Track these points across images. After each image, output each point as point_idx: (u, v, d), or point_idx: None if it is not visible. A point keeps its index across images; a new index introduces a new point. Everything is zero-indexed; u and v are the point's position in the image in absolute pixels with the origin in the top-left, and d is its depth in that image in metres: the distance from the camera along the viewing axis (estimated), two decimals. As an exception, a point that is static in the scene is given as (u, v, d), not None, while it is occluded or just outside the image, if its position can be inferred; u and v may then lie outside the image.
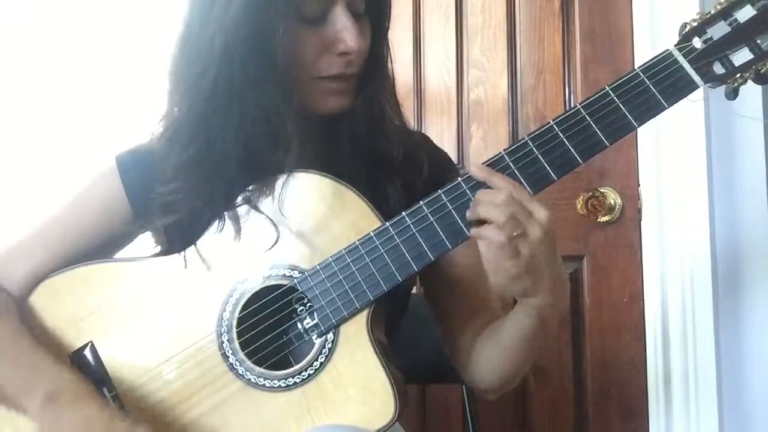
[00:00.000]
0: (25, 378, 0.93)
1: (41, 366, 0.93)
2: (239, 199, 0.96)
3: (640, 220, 1.65)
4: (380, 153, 1.01)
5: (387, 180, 1.01)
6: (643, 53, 1.61)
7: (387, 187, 1.01)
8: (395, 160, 1.01)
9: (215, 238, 0.97)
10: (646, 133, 1.61)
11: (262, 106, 0.92)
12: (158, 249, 1.06)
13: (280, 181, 0.94)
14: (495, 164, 0.89)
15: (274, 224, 0.93)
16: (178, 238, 0.99)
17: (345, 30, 0.92)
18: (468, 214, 0.88)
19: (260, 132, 0.93)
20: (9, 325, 0.96)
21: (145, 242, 1.07)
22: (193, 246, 0.97)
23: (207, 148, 0.94)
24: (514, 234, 0.82)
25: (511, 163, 0.89)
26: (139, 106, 1.92)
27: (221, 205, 0.96)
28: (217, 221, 0.96)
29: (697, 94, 0.89)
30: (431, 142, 1.16)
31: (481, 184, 0.89)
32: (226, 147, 0.94)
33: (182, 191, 0.96)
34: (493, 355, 0.99)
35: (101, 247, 1.03)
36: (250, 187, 0.96)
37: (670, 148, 1.60)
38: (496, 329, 0.98)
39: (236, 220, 0.95)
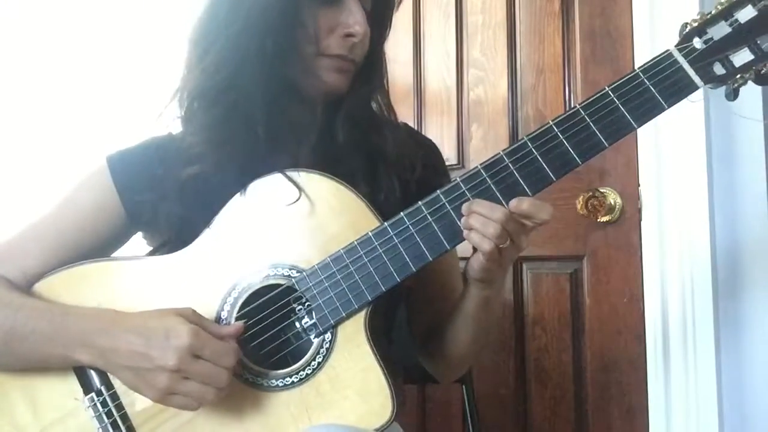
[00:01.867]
0: (64, 334, 0.93)
1: (70, 316, 0.94)
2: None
3: (640, 220, 1.65)
4: (376, 149, 1.04)
5: (383, 174, 1.03)
6: (643, 53, 1.60)
7: (383, 181, 1.02)
8: (390, 155, 1.04)
9: (216, 235, 0.96)
10: (646, 133, 1.61)
11: (290, 72, 0.99)
12: (152, 249, 1.06)
13: (281, 180, 0.95)
14: (494, 165, 0.89)
15: (298, 186, 0.94)
16: (179, 231, 0.99)
17: (353, 14, 0.98)
18: (462, 222, 0.89)
19: (287, 97, 1.00)
20: (17, 295, 0.97)
21: (141, 244, 1.07)
22: (193, 243, 0.97)
23: (234, 109, 0.98)
24: (501, 246, 0.87)
25: (510, 164, 0.89)
26: (135, 107, 1.93)
27: (241, 166, 0.98)
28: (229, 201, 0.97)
29: (697, 95, 0.88)
30: (415, 131, 1.22)
31: (479, 186, 0.89)
32: (253, 109, 0.98)
33: (207, 143, 0.99)
34: (448, 335, 1.07)
35: (96, 246, 1.03)
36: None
37: (670, 148, 1.60)
38: (450, 312, 1.06)
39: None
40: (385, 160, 1.04)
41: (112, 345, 0.90)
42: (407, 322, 1.16)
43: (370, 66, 1.05)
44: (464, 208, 0.88)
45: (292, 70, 0.99)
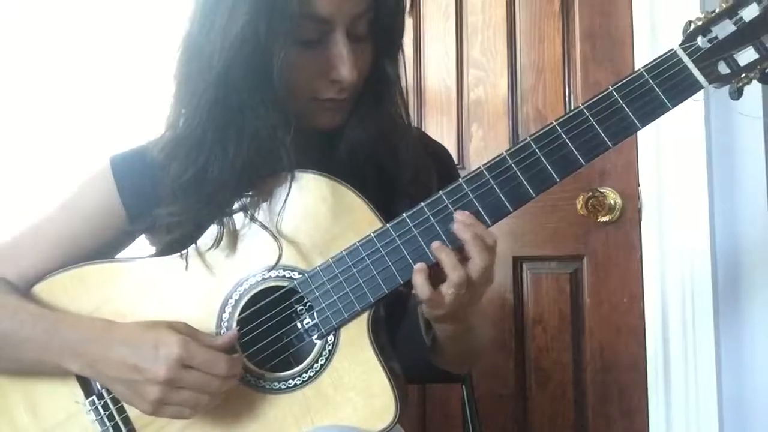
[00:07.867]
0: (57, 342, 0.92)
1: (65, 324, 0.94)
2: (236, 206, 0.95)
3: (640, 220, 1.65)
4: (387, 170, 1.00)
5: (396, 198, 0.99)
6: (643, 53, 1.60)
7: (396, 205, 0.97)
8: (404, 177, 1.00)
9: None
10: (646, 133, 1.61)
11: (259, 130, 0.91)
12: (154, 250, 1.05)
13: (281, 182, 0.94)
14: (497, 165, 0.89)
15: (276, 237, 0.92)
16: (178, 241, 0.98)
17: (339, 58, 0.91)
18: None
19: (258, 157, 0.92)
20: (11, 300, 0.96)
21: (143, 244, 1.06)
22: (192, 246, 0.96)
23: (204, 171, 0.93)
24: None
25: (513, 165, 0.88)
26: (137, 107, 1.92)
27: (221, 220, 0.95)
28: (216, 229, 0.95)
29: (699, 94, 0.88)
30: (427, 137, 1.17)
31: (482, 187, 0.88)
32: (224, 171, 0.93)
33: (181, 214, 0.95)
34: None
35: (97, 248, 1.03)
36: (249, 192, 0.95)
37: (670, 148, 1.60)
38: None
39: (234, 228, 0.95)
40: (397, 183, 0.99)
41: (104, 354, 0.89)
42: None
43: (375, 86, 0.98)
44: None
45: (273, 122, 0.91)
